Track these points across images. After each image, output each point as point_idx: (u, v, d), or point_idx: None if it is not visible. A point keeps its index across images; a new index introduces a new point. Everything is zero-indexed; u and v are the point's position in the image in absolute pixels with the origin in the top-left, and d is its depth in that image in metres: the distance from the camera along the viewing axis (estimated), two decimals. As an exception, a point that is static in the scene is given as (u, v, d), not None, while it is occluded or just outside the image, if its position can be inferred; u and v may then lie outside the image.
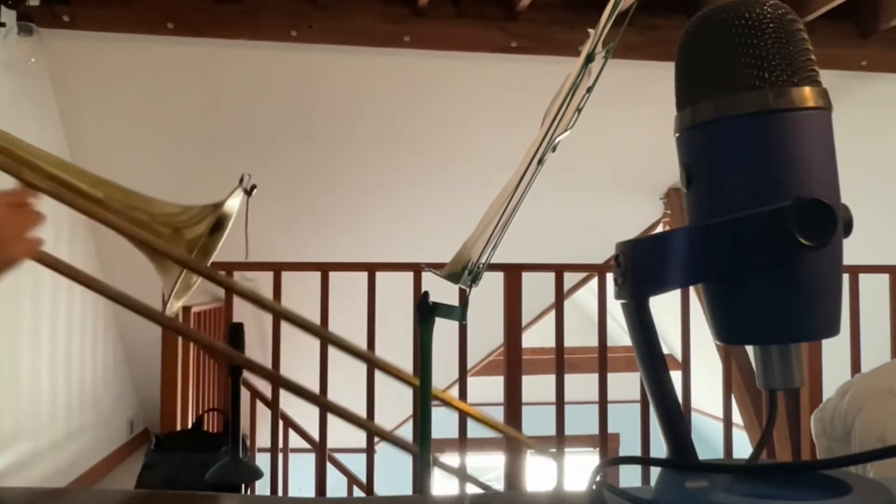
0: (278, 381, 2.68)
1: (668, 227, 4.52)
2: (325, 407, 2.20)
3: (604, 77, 0.60)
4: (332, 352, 2.79)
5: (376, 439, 3.17)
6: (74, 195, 1.26)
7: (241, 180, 1.43)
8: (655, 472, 0.57)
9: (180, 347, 2.94)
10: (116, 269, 3.85)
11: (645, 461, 0.60)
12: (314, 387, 2.75)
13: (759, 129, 0.53)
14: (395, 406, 3.63)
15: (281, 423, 3.00)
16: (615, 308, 0.83)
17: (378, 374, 2.79)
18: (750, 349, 0.58)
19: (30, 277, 3.07)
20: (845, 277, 1.25)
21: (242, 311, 2.68)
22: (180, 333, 2.80)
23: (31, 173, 1.19)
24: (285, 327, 2.77)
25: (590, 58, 0.60)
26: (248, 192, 1.43)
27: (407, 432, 4.56)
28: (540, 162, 0.64)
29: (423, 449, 0.81)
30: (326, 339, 1.86)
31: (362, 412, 2.78)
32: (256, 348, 2.27)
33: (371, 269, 2.82)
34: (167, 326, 2.23)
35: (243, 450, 2.68)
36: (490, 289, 2.44)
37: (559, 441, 2.89)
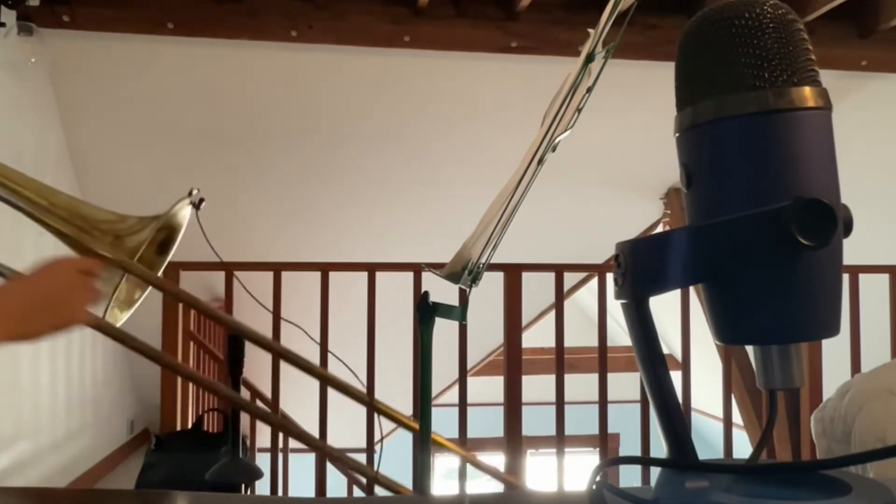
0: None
1: (668, 227, 4.52)
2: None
3: (604, 77, 0.60)
4: (331, 355, 2.79)
5: (376, 439, 3.17)
6: (18, 199, 1.27)
7: (190, 193, 1.45)
8: (655, 472, 0.57)
9: (180, 347, 2.94)
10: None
11: (645, 461, 0.60)
12: (315, 388, 2.75)
13: (759, 129, 0.53)
14: (394, 406, 3.62)
15: (281, 423, 3.00)
16: (615, 308, 0.83)
17: (378, 376, 2.79)
18: (750, 349, 0.58)
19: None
20: (845, 277, 1.25)
21: (243, 313, 2.67)
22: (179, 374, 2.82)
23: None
24: (285, 331, 2.77)
25: (590, 58, 0.60)
26: (197, 206, 1.46)
27: (407, 432, 4.55)
28: (540, 162, 0.64)
29: (423, 449, 0.81)
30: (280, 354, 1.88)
31: (362, 413, 2.78)
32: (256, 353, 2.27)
33: (371, 269, 2.82)
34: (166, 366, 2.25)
35: (243, 450, 2.68)
36: (490, 289, 2.44)
37: (559, 441, 2.89)
